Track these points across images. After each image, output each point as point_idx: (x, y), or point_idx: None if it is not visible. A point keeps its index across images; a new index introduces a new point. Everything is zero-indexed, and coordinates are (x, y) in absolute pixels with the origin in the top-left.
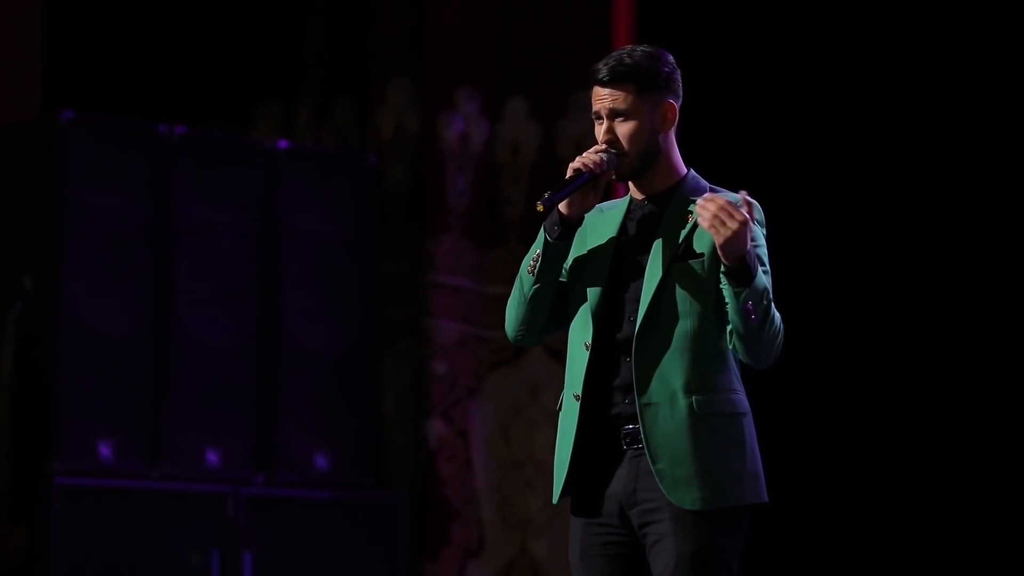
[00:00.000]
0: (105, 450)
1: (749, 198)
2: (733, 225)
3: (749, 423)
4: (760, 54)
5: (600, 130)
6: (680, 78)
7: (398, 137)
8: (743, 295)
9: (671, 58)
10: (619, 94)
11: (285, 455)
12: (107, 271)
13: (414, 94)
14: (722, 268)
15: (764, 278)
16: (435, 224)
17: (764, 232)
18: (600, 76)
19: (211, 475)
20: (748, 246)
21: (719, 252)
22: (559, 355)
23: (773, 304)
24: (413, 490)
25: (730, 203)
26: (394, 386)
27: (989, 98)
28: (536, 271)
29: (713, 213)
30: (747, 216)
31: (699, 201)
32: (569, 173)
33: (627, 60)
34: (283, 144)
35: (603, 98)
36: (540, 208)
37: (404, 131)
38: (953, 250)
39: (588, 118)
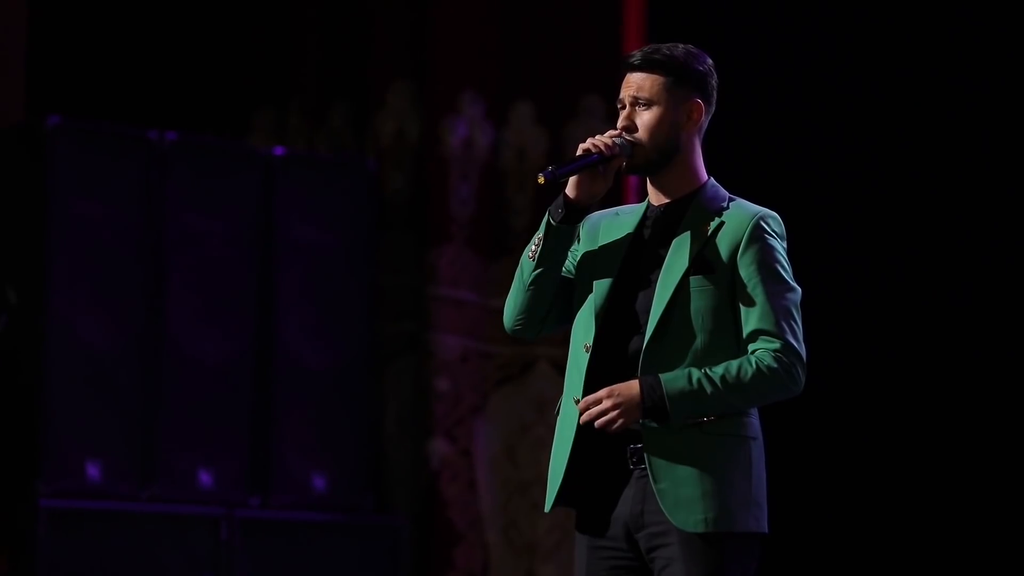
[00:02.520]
0: (93, 471)
1: None
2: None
3: (758, 448)
4: (774, 63)
5: (620, 116)
6: (715, 84)
7: (398, 143)
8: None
9: (710, 61)
10: (647, 81)
11: (281, 476)
12: (95, 283)
13: (415, 98)
14: None
15: (685, 400)
16: (437, 234)
17: (784, 245)
18: (632, 60)
19: (204, 497)
20: (636, 414)
21: None
22: None
23: (722, 381)
24: (415, 512)
25: (594, 399)
26: (395, 404)
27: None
28: (537, 256)
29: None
30: (602, 401)
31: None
32: (578, 152)
33: (664, 50)
34: (279, 150)
35: (630, 85)
36: (541, 180)
37: (405, 136)
38: (974, 277)
39: (597, 123)
